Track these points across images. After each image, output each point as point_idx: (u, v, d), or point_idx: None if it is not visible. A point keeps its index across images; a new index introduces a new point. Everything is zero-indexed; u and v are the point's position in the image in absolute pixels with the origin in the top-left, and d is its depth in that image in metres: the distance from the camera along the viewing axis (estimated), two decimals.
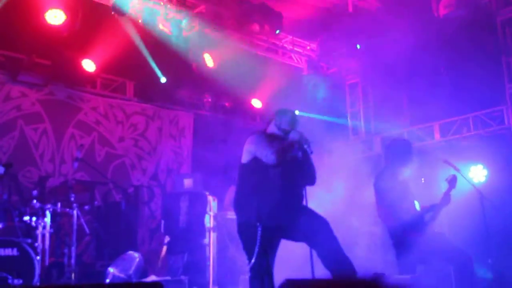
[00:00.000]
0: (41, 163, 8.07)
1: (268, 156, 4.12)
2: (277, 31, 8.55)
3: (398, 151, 5.40)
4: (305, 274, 4.22)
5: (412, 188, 5.53)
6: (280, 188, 4.19)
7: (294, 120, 4.42)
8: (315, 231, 4.18)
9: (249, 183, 4.26)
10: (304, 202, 4.35)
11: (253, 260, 3.96)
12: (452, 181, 5.32)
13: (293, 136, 4.25)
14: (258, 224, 3.95)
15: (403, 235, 5.07)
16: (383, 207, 5.25)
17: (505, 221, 7.35)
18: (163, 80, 9.02)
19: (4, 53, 7.96)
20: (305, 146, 4.21)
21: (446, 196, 5.28)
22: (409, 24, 8.30)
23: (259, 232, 3.79)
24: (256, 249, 3.92)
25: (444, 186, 5.83)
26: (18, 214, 5.82)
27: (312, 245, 4.19)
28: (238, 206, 4.38)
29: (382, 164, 5.85)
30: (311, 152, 4.21)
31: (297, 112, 10.22)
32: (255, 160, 4.22)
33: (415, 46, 8.28)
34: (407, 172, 5.44)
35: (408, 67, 8.72)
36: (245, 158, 4.32)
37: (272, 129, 4.47)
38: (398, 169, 5.34)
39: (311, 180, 4.41)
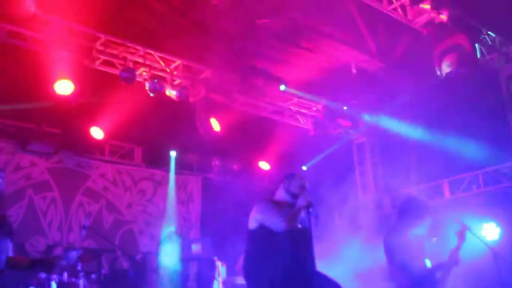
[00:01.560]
0: (48, 231, 8.04)
1: (277, 224, 4.12)
2: (283, 86, 8.64)
3: (413, 208, 5.31)
4: None
5: (425, 247, 5.43)
6: (290, 255, 4.14)
7: (303, 184, 4.41)
8: None
9: (258, 251, 4.21)
10: (315, 267, 4.28)
11: None
12: (462, 234, 5.21)
13: (301, 202, 4.23)
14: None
15: None
16: (394, 265, 5.12)
17: None
18: (173, 154, 9.16)
19: (14, 123, 8.09)
20: (311, 210, 4.20)
21: (456, 252, 5.16)
22: (412, 84, 8.38)
23: None
24: None
25: (454, 241, 5.73)
26: (24, 286, 5.73)
27: None
28: (249, 273, 4.32)
29: (392, 220, 5.75)
30: (316, 216, 4.18)
31: (304, 168, 10.37)
32: (262, 227, 4.20)
33: (420, 105, 8.34)
34: (421, 230, 5.33)
35: (414, 126, 8.75)
36: (252, 225, 4.30)
37: (280, 194, 4.46)
38: (411, 226, 5.23)
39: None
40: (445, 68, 8.54)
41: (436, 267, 5.21)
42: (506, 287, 6.88)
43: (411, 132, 8.85)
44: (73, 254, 5.31)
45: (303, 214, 4.23)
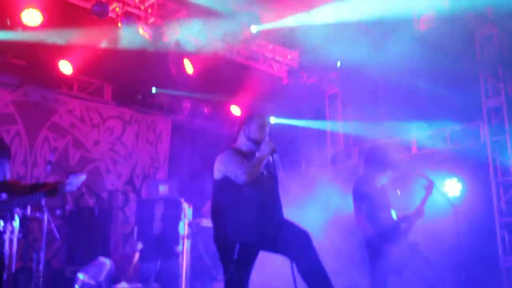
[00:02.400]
0: (12, 165, 7.90)
1: (238, 176, 4.08)
2: (254, 27, 8.47)
3: (378, 157, 5.40)
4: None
5: (390, 197, 5.54)
6: (255, 204, 4.14)
7: (262, 127, 4.34)
8: (294, 243, 4.13)
9: (224, 200, 4.21)
10: (283, 215, 4.31)
11: (227, 275, 3.90)
12: (429, 188, 5.36)
13: (263, 150, 4.20)
14: (235, 242, 3.90)
15: (380, 244, 5.05)
16: (361, 215, 5.22)
17: (478, 235, 7.39)
18: (154, 90, 9.01)
19: None
20: (275, 157, 4.19)
21: (421, 205, 5.30)
22: (389, 38, 8.33)
23: (236, 250, 3.74)
24: (232, 265, 3.86)
25: (420, 196, 5.86)
26: None
27: (291, 257, 4.15)
28: (215, 221, 4.33)
29: (360, 170, 5.85)
30: (278, 166, 4.20)
31: (271, 119, 10.37)
32: (225, 178, 4.18)
33: (395, 60, 8.32)
34: (385, 179, 5.45)
35: (387, 80, 8.76)
36: (216, 175, 4.28)
37: (241, 142, 4.40)
38: (377, 175, 5.34)
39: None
40: (423, 24, 8.52)
41: (401, 218, 5.35)
42: (463, 241, 7.15)
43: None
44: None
45: (265, 161, 4.21)
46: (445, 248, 7.05)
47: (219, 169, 4.24)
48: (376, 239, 5.08)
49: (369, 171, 5.41)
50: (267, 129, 4.37)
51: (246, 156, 4.26)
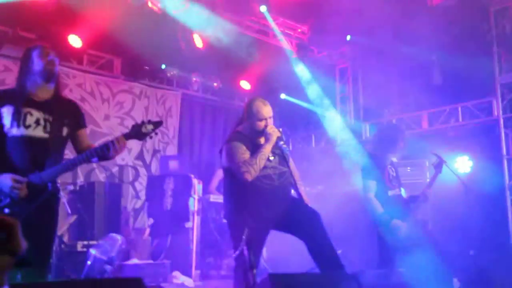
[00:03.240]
0: None
1: (239, 174, 4.06)
2: (263, 8, 8.38)
3: (388, 136, 5.39)
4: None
5: (400, 174, 5.53)
6: (264, 189, 4.14)
7: (263, 116, 4.20)
8: (304, 224, 4.16)
9: (233, 184, 4.21)
10: (292, 195, 4.31)
11: (237, 252, 3.93)
12: (439, 166, 5.35)
13: (268, 138, 4.13)
14: (244, 226, 3.91)
15: (387, 222, 5.05)
16: (370, 192, 5.22)
17: (488, 213, 7.39)
18: (163, 66, 9.09)
19: None
20: (280, 145, 4.14)
21: (429, 188, 5.29)
22: (401, 12, 8.20)
23: (245, 232, 3.75)
24: (242, 244, 3.88)
25: (430, 173, 5.82)
26: None
27: (301, 237, 4.17)
28: (226, 201, 4.37)
29: (369, 148, 5.84)
30: (286, 152, 4.16)
31: (283, 96, 10.31)
32: (231, 169, 4.18)
33: (407, 35, 8.21)
34: (395, 157, 5.46)
35: (399, 55, 8.65)
36: (223, 163, 4.27)
37: (245, 126, 4.32)
38: (387, 153, 5.34)
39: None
40: None
41: (409, 199, 5.36)
42: (473, 219, 7.14)
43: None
44: None
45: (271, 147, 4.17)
46: (455, 226, 7.06)
47: (225, 160, 4.23)
48: (383, 217, 5.09)
49: (379, 149, 5.40)
50: (271, 119, 4.25)
51: (250, 142, 4.21)
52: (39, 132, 3.39)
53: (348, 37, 9.46)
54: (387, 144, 5.35)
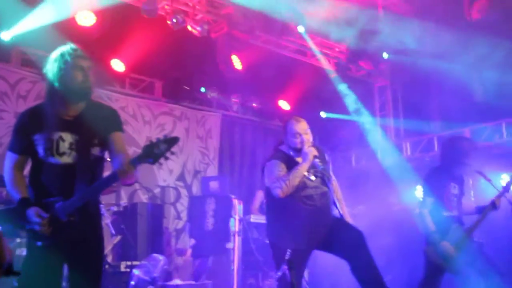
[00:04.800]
0: None
1: (272, 191, 4.09)
2: (301, 28, 8.43)
3: (455, 149, 5.13)
4: None
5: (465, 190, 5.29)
6: (305, 210, 4.14)
7: (298, 134, 4.19)
8: (347, 243, 4.12)
9: (275, 205, 4.23)
10: (334, 214, 4.28)
11: (280, 273, 3.92)
12: (508, 185, 5.11)
13: (304, 157, 4.12)
14: (286, 247, 3.91)
15: (437, 242, 4.92)
16: (424, 208, 5.05)
17: None
18: (203, 89, 9.29)
19: (36, 52, 8.02)
20: (315, 162, 4.12)
21: (500, 195, 5.06)
22: (440, 29, 8.13)
23: (288, 253, 3.76)
24: (284, 265, 3.88)
25: (474, 190, 5.60)
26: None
27: (344, 257, 4.14)
28: (268, 222, 4.39)
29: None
30: (321, 169, 4.13)
31: (323, 115, 10.31)
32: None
33: (447, 50, 8.12)
34: (462, 171, 5.13)
35: (439, 72, 8.56)
36: (265, 181, 4.29)
37: (285, 147, 4.34)
38: (451, 169, 5.10)
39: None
40: (475, 13, 8.26)
41: (477, 209, 5.16)
42: None
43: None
44: None
45: (309, 166, 4.16)
46: (504, 246, 6.87)
47: (265, 179, 4.26)
48: (434, 236, 4.95)
49: (445, 163, 5.18)
50: (307, 133, 4.25)
51: (290, 160, 4.23)
52: (69, 158, 3.13)
53: (386, 55, 9.42)
54: (452, 157, 5.07)
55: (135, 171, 2.94)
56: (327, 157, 4.44)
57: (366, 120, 10.21)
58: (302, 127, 4.23)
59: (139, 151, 3.00)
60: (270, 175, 4.17)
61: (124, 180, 2.96)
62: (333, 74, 9.89)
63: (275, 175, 4.12)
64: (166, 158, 2.95)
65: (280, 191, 4.03)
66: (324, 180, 4.19)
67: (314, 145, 4.25)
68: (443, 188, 5.01)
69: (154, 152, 2.89)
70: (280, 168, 4.14)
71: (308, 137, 4.24)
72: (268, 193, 4.28)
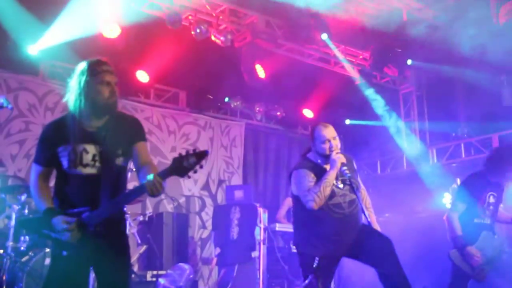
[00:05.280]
0: None
1: (305, 203, 4.06)
2: (324, 35, 8.42)
3: (499, 157, 5.02)
4: None
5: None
6: (333, 218, 4.11)
7: (327, 140, 4.16)
8: (375, 250, 4.08)
9: (303, 213, 4.20)
10: (363, 222, 4.24)
11: (307, 281, 3.90)
12: None
13: (332, 164, 4.09)
14: (314, 255, 3.89)
15: (463, 247, 4.84)
16: (454, 212, 4.99)
17: None
18: (226, 99, 9.39)
19: (61, 65, 8.16)
20: (342, 169, 4.08)
21: None
22: (466, 32, 8.03)
23: (316, 261, 3.73)
24: (311, 273, 3.86)
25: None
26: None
27: (371, 264, 4.10)
28: (296, 229, 4.37)
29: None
30: (348, 177, 4.09)
31: (347, 122, 10.26)
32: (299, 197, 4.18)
33: (472, 55, 8.01)
34: (502, 180, 5.01)
35: (465, 77, 8.45)
36: (292, 190, 4.27)
37: (312, 154, 4.32)
38: (492, 176, 5.00)
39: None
40: (503, 16, 8.14)
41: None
42: None
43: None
44: None
45: (337, 174, 4.13)
46: None
47: (293, 187, 4.24)
48: (459, 240, 4.88)
49: (486, 169, 5.08)
50: (335, 139, 4.22)
51: (318, 168, 4.21)
52: (93, 169, 3.15)
53: (409, 62, 9.35)
54: (495, 165, 4.95)
55: (163, 184, 2.92)
56: (355, 165, 4.41)
57: (393, 126, 10.13)
58: (330, 133, 4.21)
59: (163, 161, 3.02)
60: (300, 186, 4.15)
61: (152, 191, 2.93)
62: (357, 82, 9.85)
63: (306, 187, 4.08)
64: (195, 172, 2.93)
65: (313, 204, 4.00)
66: (352, 187, 4.15)
67: (342, 153, 4.22)
68: (479, 195, 4.93)
69: (183, 166, 2.88)
70: (310, 179, 4.11)
71: (337, 143, 4.22)
72: (296, 201, 4.25)
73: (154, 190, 2.92)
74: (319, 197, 3.99)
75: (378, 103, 9.88)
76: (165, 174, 2.92)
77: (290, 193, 4.43)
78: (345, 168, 4.09)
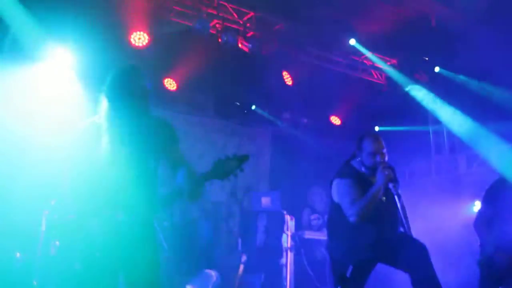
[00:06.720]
0: None
1: (348, 216, 4.01)
2: (353, 41, 8.39)
3: None
4: None
5: None
6: (371, 227, 4.05)
7: (374, 153, 4.12)
8: (409, 257, 4.03)
9: (340, 220, 4.15)
10: (399, 230, 4.19)
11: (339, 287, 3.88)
12: None
13: (378, 181, 4.03)
14: (348, 263, 3.87)
15: (491, 254, 4.76)
16: (482, 218, 4.94)
17: None
18: (253, 107, 9.39)
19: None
20: (390, 186, 4.02)
21: None
22: (495, 39, 7.91)
23: (349, 270, 3.71)
24: (344, 282, 3.84)
25: None
26: None
27: (406, 270, 4.06)
28: (331, 236, 4.34)
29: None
30: (396, 194, 4.01)
31: (377, 128, 10.17)
32: (340, 206, 4.14)
33: (502, 61, 7.88)
34: None
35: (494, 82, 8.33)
36: (333, 197, 4.23)
37: (356, 163, 4.28)
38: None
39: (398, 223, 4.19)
40: None
41: None
42: None
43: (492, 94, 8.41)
44: None
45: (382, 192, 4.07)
46: None
47: (335, 195, 4.20)
48: (489, 248, 4.80)
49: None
50: (383, 153, 4.16)
51: (362, 177, 4.16)
52: (126, 171, 3.14)
53: (437, 69, 9.25)
54: None
55: (203, 188, 2.99)
56: (396, 175, 4.36)
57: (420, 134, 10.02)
58: (379, 145, 4.16)
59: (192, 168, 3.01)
60: (343, 197, 4.10)
61: (191, 197, 3.02)
62: (385, 89, 9.77)
63: (350, 199, 4.04)
64: (236, 175, 2.98)
65: (356, 218, 3.97)
66: (393, 199, 4.09)
67: (388, 165, 4.13)
68: (504, 200, 4.86)
69: (224, 170, 2.94)
70: (355, 191, 4.06)
71: (384, 156, 4.16)
72: (335, 208, 4.21)
73: (193, 198, 2.98)
74: (363, 211, 3.95)
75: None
76: (205, 178, 2.98)
77: (330, 200, 4.34)
78: (393, 185, 4.02)
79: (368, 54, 9.06)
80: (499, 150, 8.00)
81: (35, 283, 5.40)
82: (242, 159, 2.98)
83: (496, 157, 7.97)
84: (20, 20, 6.63)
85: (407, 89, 9.51)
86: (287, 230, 7.43)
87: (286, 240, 7.37)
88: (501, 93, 8.33)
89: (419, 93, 9.52)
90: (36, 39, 6.85)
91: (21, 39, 6.80)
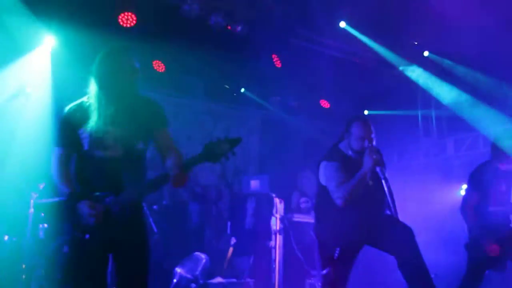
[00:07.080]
0: None
1: (334, 199, 4.02)
2: (343, 23, 8.36)
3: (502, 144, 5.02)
4: None
5: None
6: (357, 210, 4.07)
7: (362, 137, 4.12)
8: (395, 239, 4.07)
9: (327, 204, 4.16)
10: (385, 213, 4.21)
11: (326, 271, 3.90)
12: None
13: (366, 164, 4.03)
14: (335, 246, 3.88)
15: (479, 237, 4.81)
16: (468, 202, 4.99)
17: None
18: (242, 90, 9.32)
19: None
20: (378, 170, 4.02)
21: None
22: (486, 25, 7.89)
23: (336, 252, 3.72)
24: (331, 263, 3.85)
25: None
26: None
27: (392, 253, 4.09)
28: (317, 219, 4.36)
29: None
30: (383, 177, 4.02)
31: (366, 112, 10.17)
32: (326, 188, 4.14)
33: (493, 44, 7.88)
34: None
35: (484, 67, 8.34)
36: (320, 179, 4.23)
37: (344, 145, 4.28)
38: (498, 164, 4.98)
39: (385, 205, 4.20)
40: None
41: None
42: None
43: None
44: None
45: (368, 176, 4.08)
46: None
47: (322, 178, 4.20)
48: (476, 231, 4.86)
49: (493, 158, 5.06)
50: (371, 137, 4.16)
51: (349, 160, 4.16)
52: (114, 153, 3.13)
53: (426, 53, 9.25)
54: (497, 152, 4.99)
55: (189, 173, 2.95)
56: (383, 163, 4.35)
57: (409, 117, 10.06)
58: (367, 130, 4.16)
59: (180, 150, 2.98)
60: (330, 180, 4.11)
61: (177, 182, 2.96)
62: (375, 72, 9.75)
63: (336, 182, 4.05)
64: (227, 158, 2.91)
65: (342, 202, 3.98)
66: (379, 182, 4.10)
67: (375, 149, 4.13)
68: (489, 183, 4.91)
69: (215, 152, 2.89)
70: (342, 174, 4.06)
71: (373, 141, 4.16)
72: (322, 191, 4.22)
73: (179, 182, 2.93)
74: (350, 195, 3.96)
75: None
76: (194, 161, 2.94)
77: (317, 183, 4.35)
78: (380, 168, 4.02)
79: (359, 36, 9.00)
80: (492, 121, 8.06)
81: (23, 266, 5.37)
82: (234, 142, 2.91)
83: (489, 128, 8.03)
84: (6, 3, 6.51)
85: (401, 68, 9.50)
86: (276, 213, 7.43)
87: (275, 223, 7.37)
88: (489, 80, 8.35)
89: (413, 74, 9.51)
90: (24, 24, 6.74)
91: (7, 22, 6.69)
